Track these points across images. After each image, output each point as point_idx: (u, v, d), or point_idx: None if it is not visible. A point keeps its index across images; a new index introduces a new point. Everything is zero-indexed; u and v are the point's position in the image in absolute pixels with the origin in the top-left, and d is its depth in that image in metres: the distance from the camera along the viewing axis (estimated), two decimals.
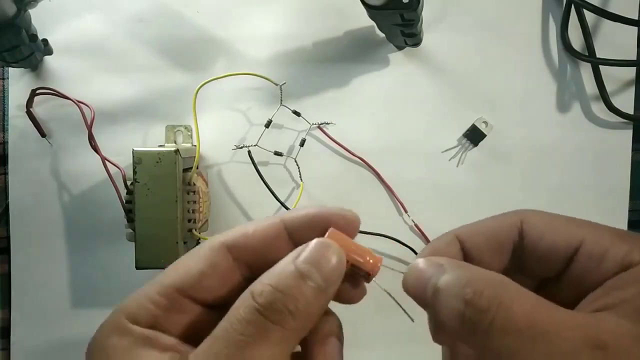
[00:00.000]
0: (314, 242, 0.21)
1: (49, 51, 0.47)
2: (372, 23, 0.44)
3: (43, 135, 0.48)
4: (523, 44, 0.48)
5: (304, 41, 0.48)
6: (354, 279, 0.23)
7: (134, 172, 0.40)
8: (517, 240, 0.23)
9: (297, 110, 0.47)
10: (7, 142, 0.48)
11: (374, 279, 0.23)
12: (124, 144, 0.48)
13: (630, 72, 0.48)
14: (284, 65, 0.48)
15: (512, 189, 0.49)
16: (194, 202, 0.42)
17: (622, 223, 0.49)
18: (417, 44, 0.47)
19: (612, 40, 0.48)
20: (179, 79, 0.48)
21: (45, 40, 0.47)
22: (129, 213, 0.42)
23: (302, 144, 0.48)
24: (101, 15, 0.48)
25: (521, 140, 0.49)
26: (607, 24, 0.48)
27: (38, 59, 0.47)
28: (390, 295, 0.24)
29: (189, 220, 0.42)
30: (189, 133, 0.47)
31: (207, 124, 0.48)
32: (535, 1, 0.48)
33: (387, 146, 0.49)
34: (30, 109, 0.47)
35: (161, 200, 0.40)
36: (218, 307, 0.22)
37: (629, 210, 0.49)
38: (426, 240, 0.48)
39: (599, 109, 0.49)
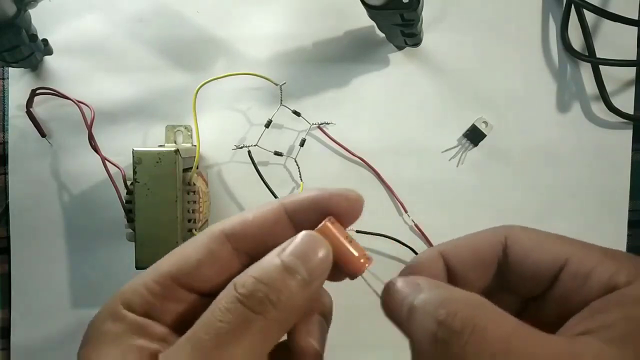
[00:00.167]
0: (301, 235, 0.21)
1: (49, 51, 0.47)
2: (372, 23, 0.44)
3: (43, 135, 0.48)
4: (523, 44, 0.48)
5: (304, 41, 0.48)
6: (339, 272, 0.23)
7: (134, 172, 0.40)
8: (502, 257, 0.23)
9: (297, 110, 0.47)
10: (7, 142, 0.48)
11: (362, 275, 0.22)
12: (124, 144, 0.48)
13: (630, 72, 0.49)
14: (284, 65, 0.48)
15: (512, 189, 0.49)
16: (194, 202, 0.42)
17: (622, 223, 0.49)
18: (417, 44, 0.47)
19: (612, 40, 0.48)
20: (179, 79, 0.48)
21: (45, 40, 0.47)
22: (129, 213, 0.42)
23: (302, 144, 0.48)
24: (101, 15, 0.48)
25: (521, 140, 0.49)
26: (607, 24, 0.48)
27: (38, 59, 0.47)
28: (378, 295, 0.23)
29: (189, 220, 0.42)
30: (189, 133, 0.47)
31: (207, 124, 0.48)
32: (535, 1, 0.48)
33: (387, 146, 0.49)
34: (30, 109, 0.47)
35: (161, 200, 0.40)
36: (215, 296, 0.22)
37: (629, 210, 0.49)
38: (426, 240, 0.48)
39: (599, 109, 0.49)
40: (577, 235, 0.22)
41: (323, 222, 0.22)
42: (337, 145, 0.48)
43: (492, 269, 0.23)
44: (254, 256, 0.22)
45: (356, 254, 0.22)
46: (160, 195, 0.40)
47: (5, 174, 0.49)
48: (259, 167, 0.47)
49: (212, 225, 0.23)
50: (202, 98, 0.46)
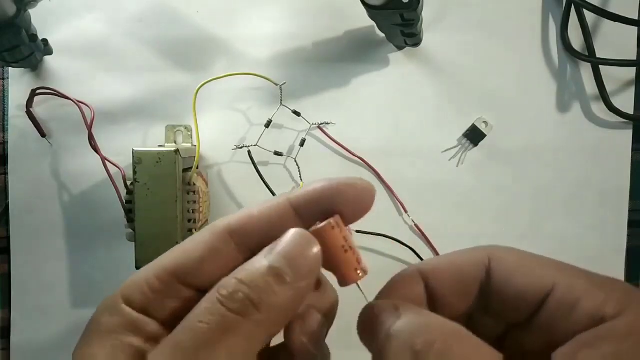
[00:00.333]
0: (289, 233, 0.20)
1: (49, 51, 0.47)
2: (372, 23, 0.44)
3: (43, 135, 0.48)
4: (523, 44, 0.48)
5: (304, 41, 0.48)
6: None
7: (134, 172, 0.40)
8: (485, 278, 0.22)
9: (297, 110, 0.47)
10: (7, 142, 0.48)
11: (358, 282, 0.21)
12: (124, 144, 0.48)
13: (630, 72, 0.49)
14: (284, 65, 0.48)
15: (512, 189, 0.49)
16: (194, 202, 0.42)
17: (622, 223, 0.49)
18: (417, 44, 0.47)
19: (612, 40, 0.48)
20: (179, 79, 0.48)
21: (45, 40, 0.47)
22: (129, 213, 0.42)
23: (302, 144, 0.48)
24: (101, 15, 0.48)
25: (521, 140, 0.49)
26: (607, 24, 0.48)
27: (38, 59, 0.47)
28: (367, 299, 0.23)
29: (189, 220, 0.42)
30: (189, 133, 0.47)
31: (207, 124, 0.48)
32: (535, 1, 0.48)
33: (387, 146, 0.49)
34: (30, 109, 0.47)
35: (161, 200, 0.40)
36: None
37: (629, 210, 0.49)
38: (426, 240, 0.48)
39: (599, 109, 0.49)
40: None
41: (326, 222, 0.21)
42: (337, 145, 0.48)
43: (474, 292, 0.22)
44: (258, 252, 0.21)
45: (351, 262, 0.21)
46: (160, 195, 0.40)
47: (5, 174, 0.49)
48: (259, 167, 0.47)
49: (217, 220, 0.22)
50: (202, 98, 0.46)
